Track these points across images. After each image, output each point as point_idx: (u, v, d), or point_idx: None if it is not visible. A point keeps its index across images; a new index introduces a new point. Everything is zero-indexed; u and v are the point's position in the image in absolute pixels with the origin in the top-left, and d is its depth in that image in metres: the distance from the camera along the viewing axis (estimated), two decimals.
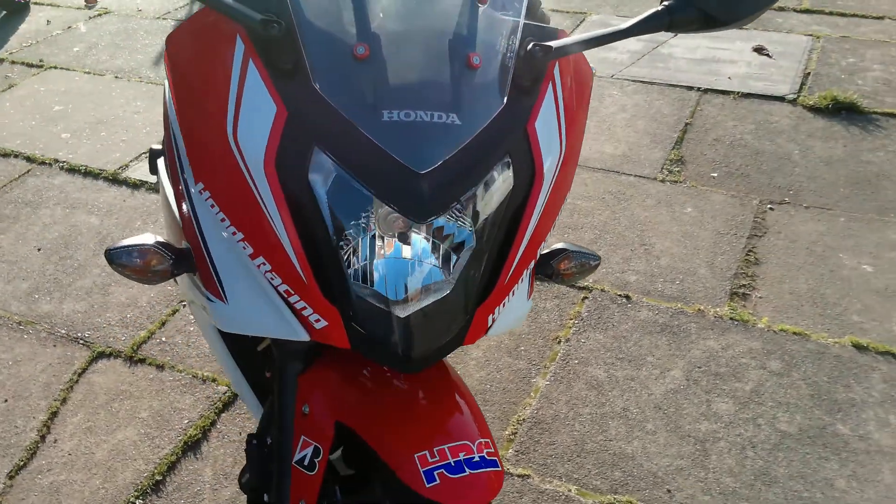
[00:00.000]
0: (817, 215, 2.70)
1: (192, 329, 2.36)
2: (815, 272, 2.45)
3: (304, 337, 1.03)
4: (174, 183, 1.22)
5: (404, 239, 0.96)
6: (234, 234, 1.01)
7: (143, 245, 1.12)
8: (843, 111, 3.24)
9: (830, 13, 4.09)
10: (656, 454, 1.92)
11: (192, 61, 1.01)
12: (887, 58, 3.62)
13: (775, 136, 3.14)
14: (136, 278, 1.14)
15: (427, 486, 1.04)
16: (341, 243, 0.96)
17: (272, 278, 1.00)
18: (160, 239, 1.14)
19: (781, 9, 4.15)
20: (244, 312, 1.06)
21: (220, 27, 0.99)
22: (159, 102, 3.65)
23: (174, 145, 1.13)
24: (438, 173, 0.93)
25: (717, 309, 2.33)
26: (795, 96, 3.36)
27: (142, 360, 2.26)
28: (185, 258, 1.13)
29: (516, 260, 1.05)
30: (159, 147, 1.76)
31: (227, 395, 2.14)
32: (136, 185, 3.05)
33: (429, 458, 1.06)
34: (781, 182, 2.88)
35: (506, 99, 0.99)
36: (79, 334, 2.37)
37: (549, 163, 1.03)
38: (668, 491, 1.83)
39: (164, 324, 2.38)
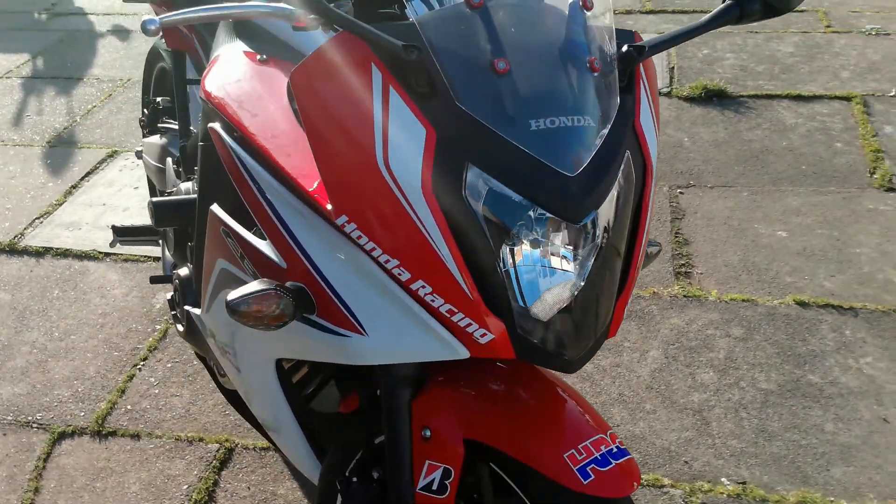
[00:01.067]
0: (723, 193, 2.93)
1: (157, 391, 2.22)
2: (739, 244, 2.67)
3: (465, 354, 1.02)
4: (249, 225, 1.19)
5: (556, 242, 0.99)
6: (386, 262, 0.99)
7: (264, 290, 1.07)
8: (715, 97, 3.53)
9: (673, 11, 4.44)
10: (663, 430, 2.02)
11: (324, 95, 0.99)
12: (735, 46, 3.99)
13: (664, 127, 3.37)
14: (261, 326, 1.09)
15: (584, 482, 1.06)
16: (500, 254, 0.97)
17: (433, 300, 0.99)
18: (274, 282, 1.10)
19: (629, 12, 4.46)
20: (389, 341, 1.04)
21: (351, 57, 0.97)
22: (34, 164, 3.40)
23: (259, 190, 1.10)
24: (587, 174, 0.97)
25: (669, 289, 2.48)
26: (669, 89, 3.62)
27: (112, 433, 2.11)
28: (303, 297, 1.10)
29: (641, 251, 1.10)
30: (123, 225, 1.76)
31: (220, 451, 2.03)
32: (39, 253, 2.82)
33: (577, 456, 1.09)
34: (682, 168, 3.10)
35: (618, 99, 1.05)
36: (29, 418, 2.17)
37: (654, 156, 1.09)
38: (686, 462, 1.93)
39: (123, 391, 2.23)
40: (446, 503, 1.18)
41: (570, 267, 1.00)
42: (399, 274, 0.99)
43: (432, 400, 1.19)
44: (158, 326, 2.45)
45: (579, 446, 1.10)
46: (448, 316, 0.99)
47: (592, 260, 1.01)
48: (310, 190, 1.08)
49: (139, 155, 2.36)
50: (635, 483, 1.10)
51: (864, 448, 1.94)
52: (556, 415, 1.16)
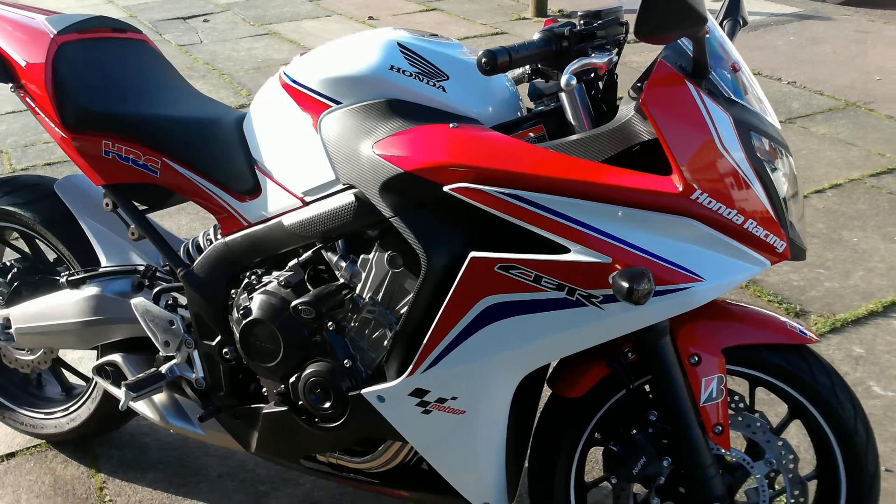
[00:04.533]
0: None
1: None
2: None
3: (768, 265, 1.49)
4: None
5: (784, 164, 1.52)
6: (727, 213, 1.41)
7: (642, 271, 1.37)
8: None
9: None
10: None
11: (670, 107, 1.38)
12: None
13: None
14: (642, 301, 1.38)
15: (806, 336, 1.61)
16: (777, 183, 1.46)
17: (754, 229, 1.43)
18: (638, 268, 1.40)
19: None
20: (720, 275, 1.44)
21: (671, 80, 1.39)
22: None
23: (550, 212, 1.42)
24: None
25: None
26: None
27: None
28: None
29: None
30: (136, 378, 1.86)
31: None
32: None
33: (790, 324, 1.63)
34: None
35: None
36: None
37: None
38: None
39: None
40: (723, 402, 1.60)
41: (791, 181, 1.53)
42: (733, 217, 1.41)
43: (689, 331, 1.59)
44: None
45: (786, 320, 1.64)
46: (764, 238, 1.44)
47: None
48: (601, 183, 1.41)
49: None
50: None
51: None
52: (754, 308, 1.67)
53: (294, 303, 1.62)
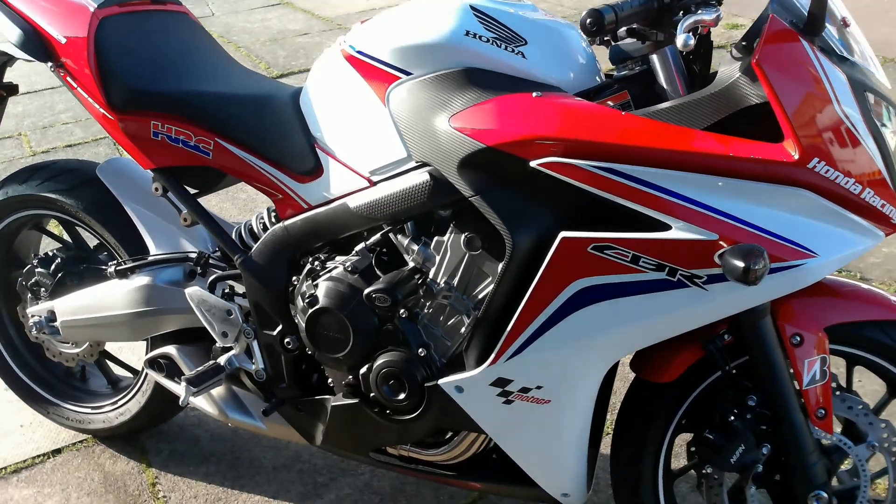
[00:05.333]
0: None
1: None
2: None
3: (881, 237, 1.38)
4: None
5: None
6: (845, 183, 1.29)
7: (755, 247, 1.26)
8: None
9: None
10: None
11: (785, 67, 1.26)
12: None
13: None
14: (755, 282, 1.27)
15: None
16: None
17: (872, 199, 1.31)
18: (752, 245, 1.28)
19: None
20: (835, 251, 1.33)
21: (785, 36, 1.27)
22: None
23: (650, 186, 1.30)
24: None
25: None
26: None
27: None
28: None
29: None
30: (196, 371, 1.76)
31: None
32: None
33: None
34: None
35: None
36: None
37: None
38: None
39: None
40: (826, 385, 1.49)
41: None
42: (852, 187, 1.30)
43: (790, 310, 1.48)
44: None
45: (888, 295, 1.53)
46: (880, 209, 1.33)
47: None
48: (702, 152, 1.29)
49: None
50: None
51: None
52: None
53: (367, 290, 1.52)
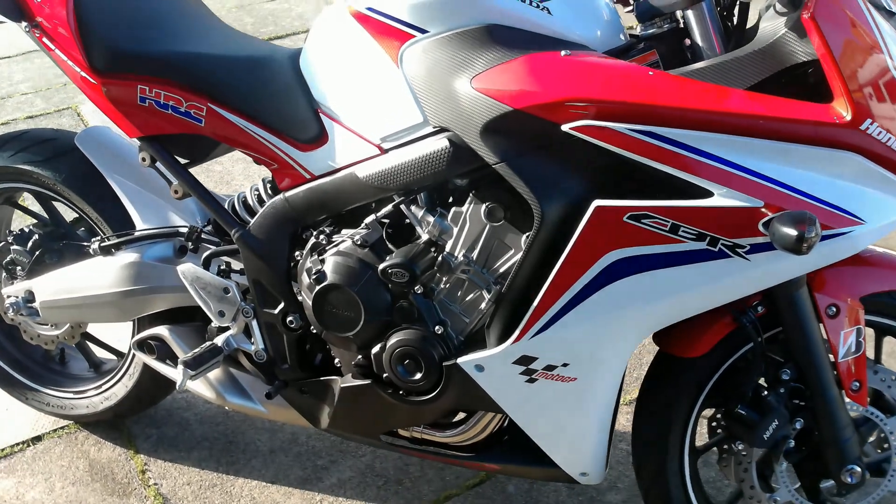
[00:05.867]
0: None
1: None
2: None
3: None
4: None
5: None
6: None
7: (805, 214, 1.19)
8: None
9: None
10: None
11: (838, 22, 1.17)
12: None
13: None
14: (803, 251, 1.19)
15: None
16: None
17: None
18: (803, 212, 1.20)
19: None
20: (881, 222, 1.26)
21: None
22: None
23: (690, 150, 1.21)
24: None
25: None
26: None
27: None
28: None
29: None
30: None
31: None
32: None
33: None
34: None
35: None
36: None
37: None
38: None
39: None
40: (861, 357, 1.44)
41: None
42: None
43: (825, 280, 1.42)
44: None
45: None
46: None
47: None
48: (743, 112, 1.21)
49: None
50: None
51: None
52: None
53: (382, 265, 1.42)
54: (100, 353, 2.15)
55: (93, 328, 2.07)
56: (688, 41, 1.41)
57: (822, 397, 1.44)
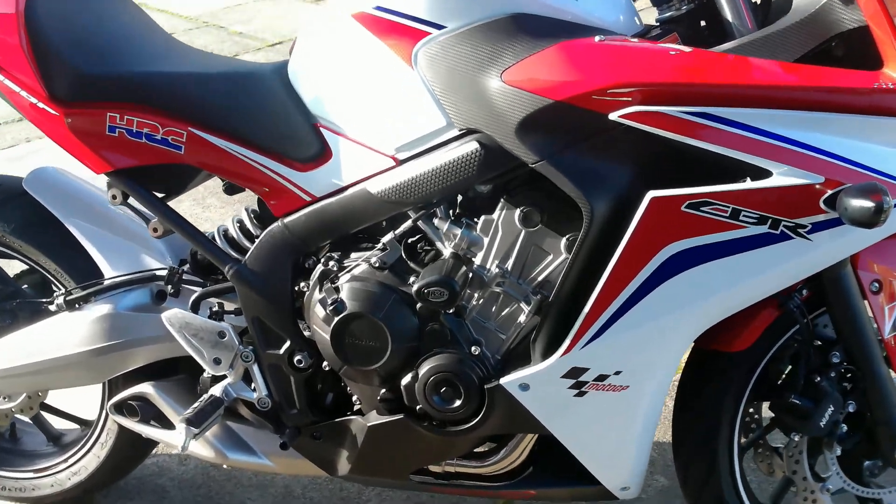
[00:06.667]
0: None
1: None
2: None
3: None
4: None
5: None
6: None
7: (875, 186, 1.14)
8: None
9: None
10: None
11: None
12: None
13: None
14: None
15: None
16: None
17: None
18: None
19: None
20: None
21: None
22: None
23: (747, 129, 1.15)
24: None
25: None
26: None
27: None
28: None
29: None
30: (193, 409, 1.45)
31: None
32: None
33: None
34: None
35: None
36: None
37: None
38: None
39: None
40: None
41: None
42: None
43: (866, 255, 1.38)
44: None
45: None
46: None
47: None
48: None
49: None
50: None
51: None
52: None
53: (417, 286, 1.30)
54: (57, 423, 1.91)
55: (51, 396, 1.84)
56: (703, 22, 1.36)
57: (873, 376, 1.40)
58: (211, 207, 3.24)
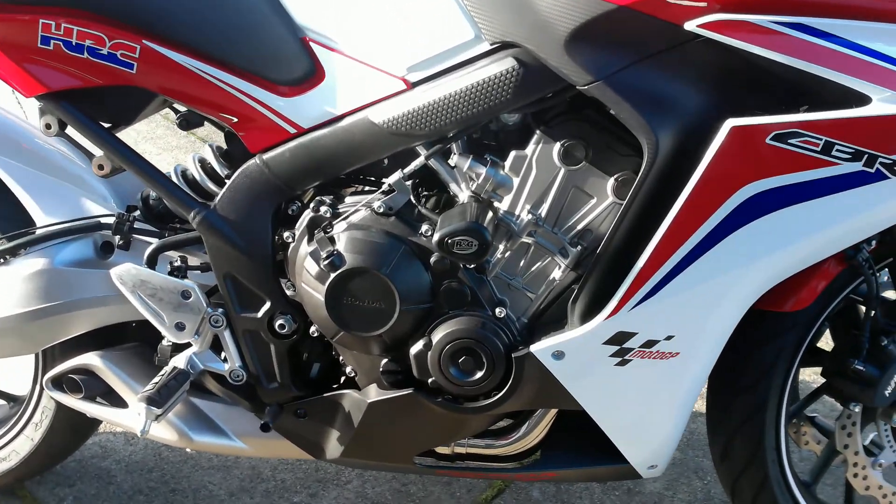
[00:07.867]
0: None
1: None
2: None
3: None
4: None
5: None
6: None
7: None
8: None
9: None
10: None
11: None
12: None
13: None
14: None
15: None
16: None
17: None
18: None
19: None
20: None
21: None
22: None
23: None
24: None
25: None
26: None
27: None
28: None
29: None
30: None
31: None
32: None
33: None
34: None
35: None
36: None
37: None
38: None
39: None
40: None
41: None
42: None
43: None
44: None
45: None
46: None
47: None
48: None
49: None
50: None
51: None
52: None
53: (439, 235, 1.07)
54: None
55: None
56: None
57: None
58: (145, 154, 2.91)
